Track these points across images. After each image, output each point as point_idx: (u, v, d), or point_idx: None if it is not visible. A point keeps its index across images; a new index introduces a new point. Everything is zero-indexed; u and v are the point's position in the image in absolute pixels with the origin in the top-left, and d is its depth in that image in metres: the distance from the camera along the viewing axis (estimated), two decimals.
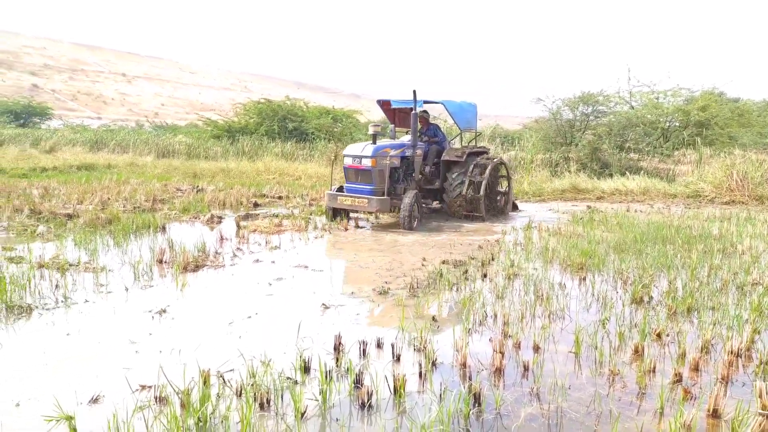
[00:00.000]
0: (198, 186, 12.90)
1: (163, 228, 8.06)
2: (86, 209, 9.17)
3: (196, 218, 9.14)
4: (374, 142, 8.68)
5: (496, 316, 4.42)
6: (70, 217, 8.58)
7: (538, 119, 19.78)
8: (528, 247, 7.04)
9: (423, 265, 6.22)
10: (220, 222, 8.84)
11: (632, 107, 19.84)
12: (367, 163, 8.52)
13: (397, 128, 10.44)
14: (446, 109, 9.67)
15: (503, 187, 10.67)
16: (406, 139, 9.67)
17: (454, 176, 9.44)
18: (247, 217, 9.23)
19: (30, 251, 6.16)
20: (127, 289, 5.04)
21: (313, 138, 22.91)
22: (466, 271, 5.77)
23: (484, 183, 9.28)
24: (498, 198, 10.36)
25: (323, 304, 4.65)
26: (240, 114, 26.17)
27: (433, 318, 4.36)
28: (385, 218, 9.75)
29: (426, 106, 10.04)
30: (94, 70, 73.10)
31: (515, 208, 11.01)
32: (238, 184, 13.97)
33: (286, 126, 23.70)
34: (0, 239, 7.12)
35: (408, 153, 9.13)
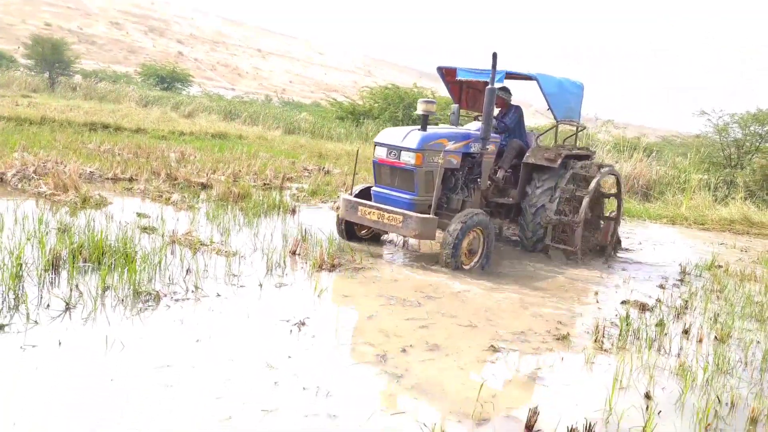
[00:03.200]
0: (324, 167, 12.47)
1: (293, 211, 7.53)
2: (219, 179, 8.91)
3: (325, 203, 8.57)
4: (424, 128, 5.79)
5: (733, 404, 3.23)
6: (204, 186, 8.32)
7: (700, 135, 17.37)
8: (729, 296, 5.63)
9: (597, 304, 5.07)
10: None
11: None
12: (408, 158, 5.64)
13: (463, 110, 7.46)
14: (540, 88, 6.50)
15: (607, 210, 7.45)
16: (473, 127, 6.57)
17: (538, 190, 6.51)
18: None
19: (163, 222, 5.79)
20: (260, 286, 4.40)
21: None
22: (661, 322, 4.55)
23: (585, 203, 6.35)
24: (599, 227, 7.19)
25: (492, 346, 3.70)
26: (365, 97, 25.85)
27: (647, 395, 3.26)
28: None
29: (509, 83, 7.02)
30: (234, 43, 77.20)
31: (618, 244, 7.53)
32: (363, 169, 13.39)
33: (411, 114, 22.98)
34: (136, 203, 6.90)
35: (474, 148, 6.15)
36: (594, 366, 3.63)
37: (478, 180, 6.38)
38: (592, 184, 6.52)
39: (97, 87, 25.18)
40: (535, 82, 6.53)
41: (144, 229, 5.52)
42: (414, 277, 5.18)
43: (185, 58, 57.59)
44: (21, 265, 3.81)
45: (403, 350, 3.50)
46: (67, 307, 3.47)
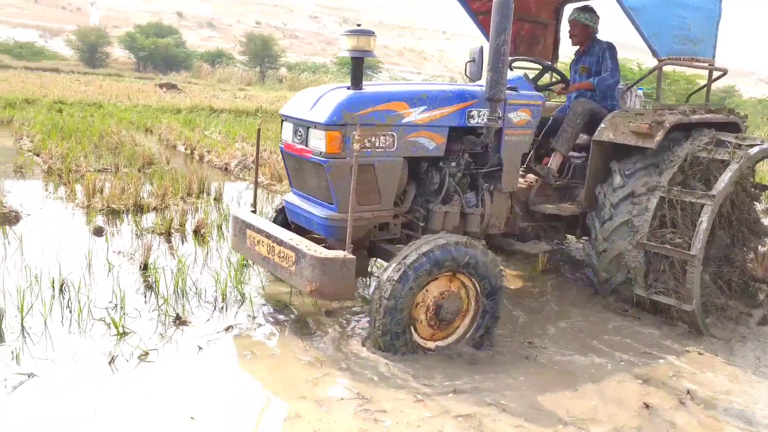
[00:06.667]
0: None
1: None
2: None
3: None
4: (355, 84, 3.17)
5: None
6: None
7: None
8: None
9: None
10: None
11: None
12: (317, 142, 3.07)
13: (512, 59, 4.31)
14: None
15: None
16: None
17: (618, 192, 3.71)
18: None
19: None
20: None
21: None
22: None
23: (705, 220, 3.30)
24: (745, 251, 4.05)
25: None
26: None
27: None
28: None
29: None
30: (420, 27, 78.55)
31: None
32: None
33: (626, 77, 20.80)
34: None
35: (478, 118, 3.39)
36: None
37: (499, 176, 3.55)
38: (724, 181, 3.35)
39: (300, 78, 27.27)
40: None
41: None
42: None
43: (376, 47, 60.05)
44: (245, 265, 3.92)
45: None
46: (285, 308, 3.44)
